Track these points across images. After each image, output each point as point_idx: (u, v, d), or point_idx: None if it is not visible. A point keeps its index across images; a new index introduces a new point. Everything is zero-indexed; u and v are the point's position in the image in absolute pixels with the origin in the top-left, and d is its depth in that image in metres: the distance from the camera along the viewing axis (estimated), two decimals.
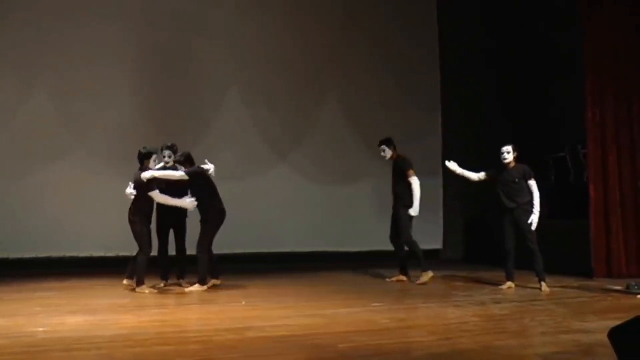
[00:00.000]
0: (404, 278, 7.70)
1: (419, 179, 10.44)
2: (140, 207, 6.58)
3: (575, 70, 8.42)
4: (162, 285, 6.96)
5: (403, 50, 10.68)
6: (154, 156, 6.78)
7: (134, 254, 6.72)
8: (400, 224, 7.58)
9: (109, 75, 9.25)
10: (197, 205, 6.72)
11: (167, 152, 6.91)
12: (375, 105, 10.49)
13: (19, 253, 8.66)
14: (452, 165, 7.12)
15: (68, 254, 8.83)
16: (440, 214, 10.75)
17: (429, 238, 10.55)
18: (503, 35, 10.46)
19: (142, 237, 6.54)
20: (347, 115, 10.40)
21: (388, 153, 7.78)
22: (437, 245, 10.68)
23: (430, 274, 7.53)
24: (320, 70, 10.31)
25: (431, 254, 10.45)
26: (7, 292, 6.74)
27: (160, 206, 6.83)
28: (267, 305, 5.93)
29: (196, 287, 6.71)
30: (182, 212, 6.94)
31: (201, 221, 6.81)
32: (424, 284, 7.42)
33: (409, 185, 7.56)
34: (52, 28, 9.06)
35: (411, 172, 7.61)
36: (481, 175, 7.15)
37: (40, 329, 4.69)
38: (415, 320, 5.17)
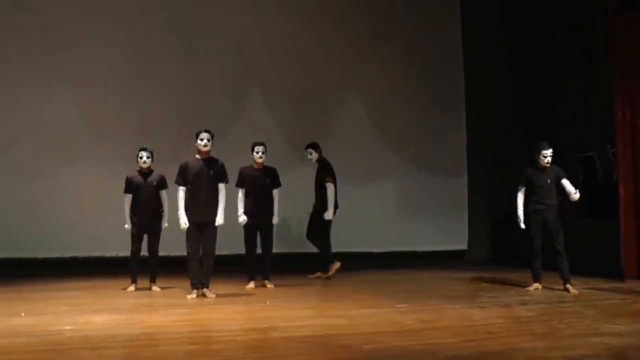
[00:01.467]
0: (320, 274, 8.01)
1: (443, 178, 10.54)
2: None
3: (598, 68, 8.28)
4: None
5: (426, 50, 10.62)
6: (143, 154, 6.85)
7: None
8: (318, 225, 7.89)
9: (131, 77, 9.36)
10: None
11: (206, 136, 6.30)
12: (398, 106, 10.45)
13: (47, 253, 8.80)
14: (522, 223, 6.96)
15: (94, 254, 8.94)
16: (466, 214, 10.65)
17: (453, 238, 10.49)
18: (525, 34, 10.31)
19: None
20: (370, 116, 10.37)
21: (314, 156, 8.03)
22: (462, 245, 10.59)
23: (332, 271, 7.83)
24: (343, 70, 10.29)
25: (456, 255, 10.41)
26: (34, 291, 6.85)
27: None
28: (290, 305, 5.92)
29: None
30: None
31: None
32: (316, 277, 7.89)
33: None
34: (74, 32, 9.20)
35: (328, 179, 7.86)
36: (522, 193, 6.98)
37: (67, 328, 4.73)
38: (440, 321, 5.10)
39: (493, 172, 10.35)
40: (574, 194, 6.60)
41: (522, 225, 6.87)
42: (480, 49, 10.64)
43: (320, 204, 7.96)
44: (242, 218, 6.96)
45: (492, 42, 10.59)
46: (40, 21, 9.15)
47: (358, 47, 10.33)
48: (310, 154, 8.07)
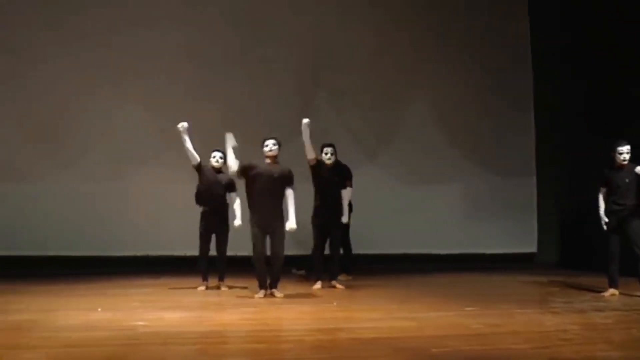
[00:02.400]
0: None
1: (511, 178, 10.33)
2: None
3: None
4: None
5: (493, 48, 10.41)
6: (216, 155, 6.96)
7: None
8: (340, 232, 7.40)
9: (198, 81, 9.54)
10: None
11: (271, 142, 6.42)
12: (464, 105, 10.28)
13: (120, 252, 9.11)
14: (605, 225, 6.71)
15: (164, 253, 9.19)
16: (535, 215, 10.37)
17: (522, 241, 10.23)
18: (596, 28, 9.86)
19: None
20: (436, 116, 10.24)
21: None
22: (532, 248, 10.30)
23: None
24: (409, 70, 10.21)
25: (525, 258, 10.15)
26: (109, 287, 7.11)
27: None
28: (358, 307, 5.92)
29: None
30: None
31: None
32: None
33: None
34: (143, 39, 9.44)
35: (349, 183, 7.49)
36: (603, 193, 6.72)
37: (140, 323, 4.89)
38: (510, 326, 4.96)
39: (563, 171, 10.02)
40: None
41: (605, 227, 6.60)
42: (549, 45, 10.31)
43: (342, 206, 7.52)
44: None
45: (560, 37, 10.22)
46: (110, 25, 9.43)
47: (423, 47, 10.22)
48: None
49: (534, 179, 10.43)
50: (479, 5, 10.47)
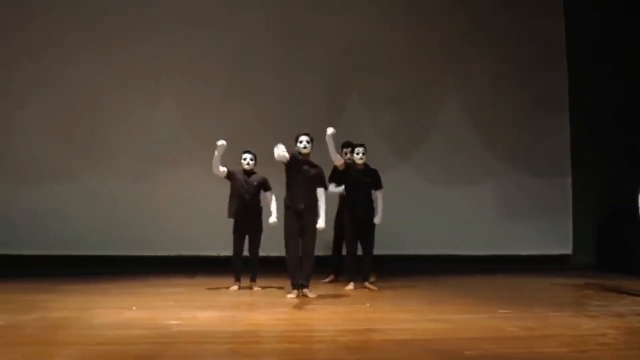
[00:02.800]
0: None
1: (546, 178, 10.16)
2: None
3: None
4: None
5: (526, 46, 10.23)
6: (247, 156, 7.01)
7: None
8: (372, 233, 7.23)
9: (228, 82, 9.57)
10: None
11: (305, 138, 6.49)
12: (498, 105, 10.14)
13: (154, 251, 9.20)
14: None
15: (197, 253, 9.26)
16: (570, 216, 10.15)
17: (556, 242, 10.05)
18: (634, 25, 9.66)
19: None
20: (469, 116, 10.12)
21: (364, 157, 7.26)
22: (566, 250, 10.09)
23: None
24: (441, 70, 10.10)
25: (560, 260, 9.96)
26: (143, 287, 7.20)
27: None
28: (390, 308, 5.88)
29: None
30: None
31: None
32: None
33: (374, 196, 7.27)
34: (174, 40, 9.51)
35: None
36: None
37: (174, 322, 4.94)
38: (546, 329, 4.88)
39: (600, 172, 9.82)
40: None
41: None
42: (585, 42, 10.09)
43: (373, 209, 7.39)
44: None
45: (597, 34, 10.02)
46: (141, 26, 9.51)
47: (455, 46, 10.10)
48: (364, 154, 7.24)
49: (569, 179, 10.23)
50: (512, 2, 10.32)
